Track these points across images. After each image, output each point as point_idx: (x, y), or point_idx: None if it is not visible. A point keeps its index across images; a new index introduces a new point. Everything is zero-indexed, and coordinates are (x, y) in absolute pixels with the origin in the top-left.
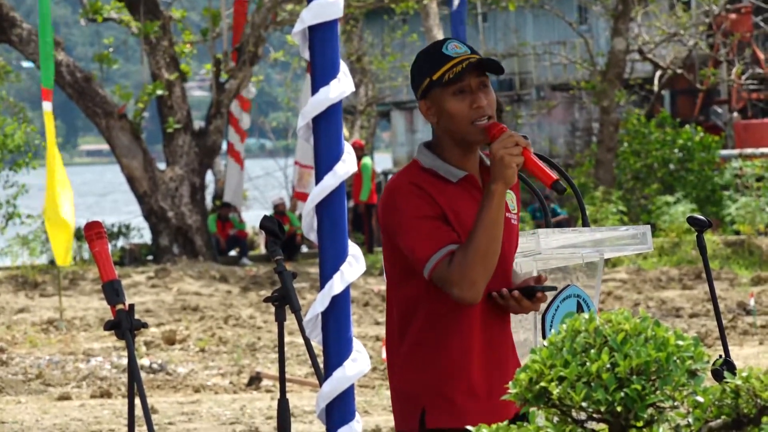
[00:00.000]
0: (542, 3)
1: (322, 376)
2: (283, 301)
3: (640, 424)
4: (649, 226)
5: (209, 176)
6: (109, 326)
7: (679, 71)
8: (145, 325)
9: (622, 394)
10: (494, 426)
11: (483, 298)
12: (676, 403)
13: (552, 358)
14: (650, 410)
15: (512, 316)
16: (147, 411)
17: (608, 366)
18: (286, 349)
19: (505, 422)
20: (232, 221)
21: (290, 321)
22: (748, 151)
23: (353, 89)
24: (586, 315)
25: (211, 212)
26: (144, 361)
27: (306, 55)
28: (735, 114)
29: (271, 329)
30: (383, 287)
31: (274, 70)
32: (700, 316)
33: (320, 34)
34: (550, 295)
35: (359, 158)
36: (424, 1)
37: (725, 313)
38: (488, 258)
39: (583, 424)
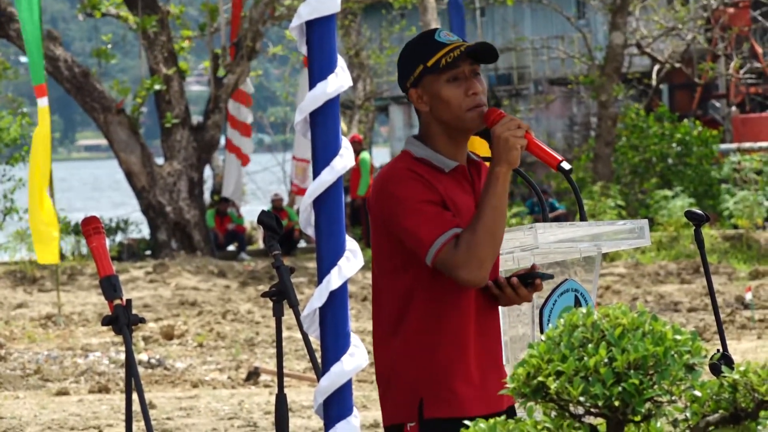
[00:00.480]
0: None
1: (320, 371)
2: (281, 296)
3: (638, 418)
4: (646, 221)
5: (207, 171)
6: (106, 321)
7: (677, 65)
8: (142, 320)
9: (620, 388)
10: (491, 421)
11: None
12: (673, 398)
13: (549, 353)
14: (648, 405)
15: (510, 310)
16: (145, 406)
17: (606, 360)
18: (284, 344)
19: (503, 417)
20: (230, 216)
21: (288, 316)
22: (746, 145)
23: (351, 84)
24: (583, 309)
25: (209, 207)
26: (142, 356)
27: (303, 49)
28: (733, 108)
29: (269, 324)
30: None
31: (273, 65)
32: (698, 310)
33: (318, 29)
34: (547, 284)
35: (357, 153)
36: None
37: (723, 307)
38: (496, 239)
39: (581, 418)
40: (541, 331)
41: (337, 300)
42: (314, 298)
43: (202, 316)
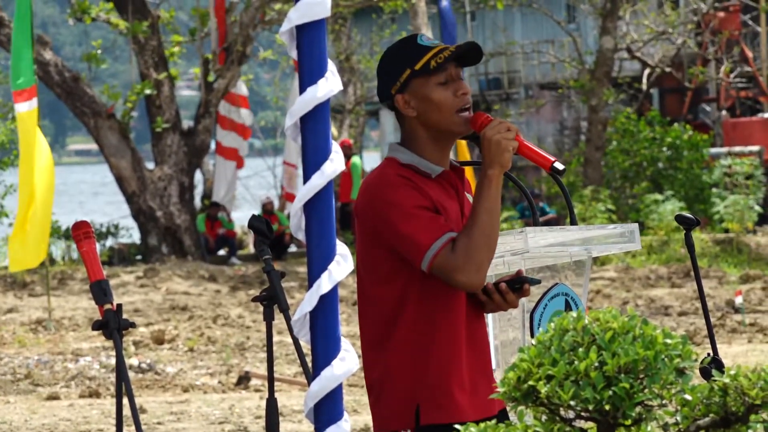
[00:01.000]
0: (530, 1)
1: (311, 375)
2: (272, 300)
3: (629, 422)
4: (637, 224)
5: (198, 176)
6: (96, 326)
7: (667, 70)
8: (133, 325)
9: (611, 392)
10: (482, 425)
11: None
12: (664, 402)
13: (540, 357)
14: (638, 409)
15: (500, 314)
16: (135, 411)
17: (596, 364)
18: (274, 348)
19: (493, 421)
20: (220, 221)
21: (279, 320)
22: (737, 149)
23: (341, 88)
24: (574, 313)
25: (199, 212)
26: (133, 361)
27: (294, 54)
28: (723, 112)
29: (260, 329)
30: None
31: (263, 69)
32: (688, 314)
33: (308, 34)
34: (537, 288)
35: (348, 157)
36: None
37: (714, 311)
38: (491, 241)
39: (572, 422)
40: (532, 336)
41: (328, 304)
42: (305, 303)
43: (193, 320)
